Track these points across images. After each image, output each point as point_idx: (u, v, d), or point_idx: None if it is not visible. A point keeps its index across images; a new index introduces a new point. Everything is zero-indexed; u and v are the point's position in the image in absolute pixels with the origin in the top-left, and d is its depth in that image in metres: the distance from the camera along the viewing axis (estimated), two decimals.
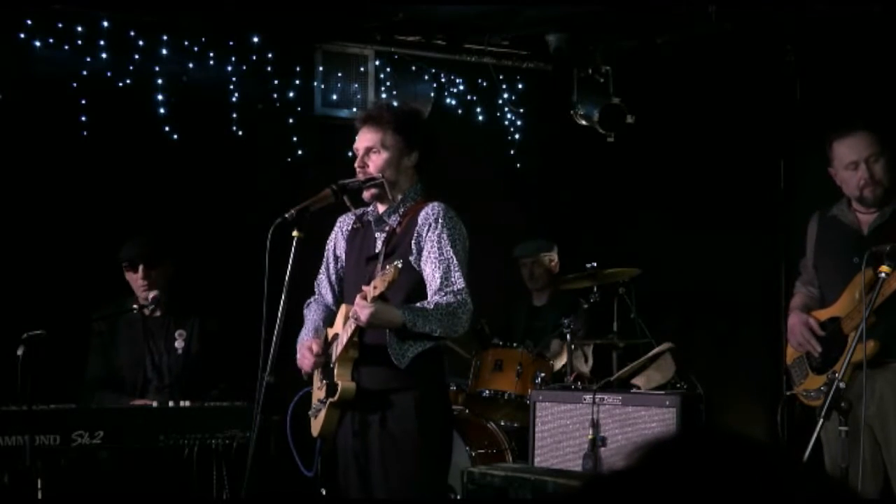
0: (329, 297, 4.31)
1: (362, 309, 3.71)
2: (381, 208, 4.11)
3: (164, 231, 5.69)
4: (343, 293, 4.26)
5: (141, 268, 5.29)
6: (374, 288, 3.67)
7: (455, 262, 3.93)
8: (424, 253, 3.95)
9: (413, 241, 3.97)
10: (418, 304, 3.88)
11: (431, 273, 3.93)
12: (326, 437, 4.10)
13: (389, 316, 3.78)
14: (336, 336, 4.10)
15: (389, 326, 3.84)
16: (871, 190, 4.52)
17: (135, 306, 5.30)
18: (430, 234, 3.95)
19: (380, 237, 4.08)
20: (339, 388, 3.96)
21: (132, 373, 5.33)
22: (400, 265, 3.64)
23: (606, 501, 1.04)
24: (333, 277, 4.30)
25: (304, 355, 4.09)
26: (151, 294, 5.34)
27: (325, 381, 4.08)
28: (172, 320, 5.37)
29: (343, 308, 4.07)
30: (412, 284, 3.94)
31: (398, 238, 4.02)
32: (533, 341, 6.08)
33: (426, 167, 4.14)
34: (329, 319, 4.26)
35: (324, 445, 4.15)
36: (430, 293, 3.93)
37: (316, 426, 4.13)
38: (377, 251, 4.07)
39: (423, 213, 3.99)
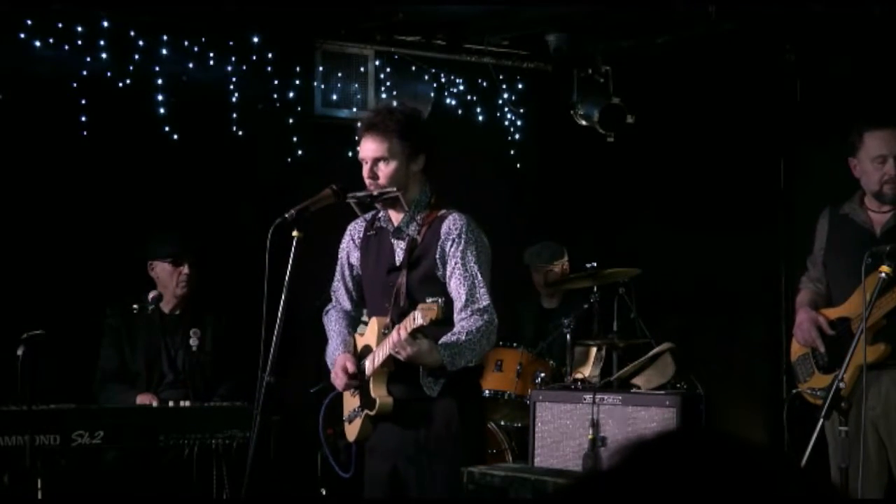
0: (347, 305, 4.32)
1: (405, 346, 3.75)
2: (397, 217, 4.10)
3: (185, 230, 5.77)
4: (365, 301, 4.28)
5: (187, 264, 5.49)
6: (414, 319, 3.68)
7: (479, 277, 3.95)
8: (448, 268, 3.96)
9: (437, 256, 3.98)
10: (452, 339, 3.89)
11: (456, 289, 3.95)
12: (363, 442, 4.15)
13: (429, 358, 3.84)
14: (366, 348, 4.11)
15: (427, 366, 3.89)
16: (892, 187, 4.53)
17: (135, 306, 5.34)
18: (453, 249, 3.96)
19: (399, 246, 4.07)
20: (377, 404, 4.00)
21: (148, 368, 5.40)
22: (442, 302, 3.67)
23: (591, 501, 1.05)
24: (350, 284, 4.30)
25: (339, 375, 4.09)
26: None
27: (358, 391, 4.11)
28: (189, 318, 5.48)
29: (375, 322, 4.08)
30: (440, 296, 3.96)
31: (421, 249, 4.02)
32: (547, 344, 6.07)
33: (433, 169, 4.14)
34: (352, 326, 4.29)
35: (360, 448, 4.19)
36: (455, 310, 3.95)
37: (352, 432, 4.17)
38: (399, 263, 4.06)
39: (445, 227, 3.99)
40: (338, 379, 4.11)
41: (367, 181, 4.04)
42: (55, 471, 4.62)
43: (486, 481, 5.11)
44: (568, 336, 5.75)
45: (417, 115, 4.30)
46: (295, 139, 6.61)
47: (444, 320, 3.84)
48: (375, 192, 4.02)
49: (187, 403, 4.96)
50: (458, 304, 3.94)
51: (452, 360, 3.86)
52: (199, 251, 5.61)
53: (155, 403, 5.09)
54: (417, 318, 3.65)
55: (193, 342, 5.47)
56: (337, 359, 4.14)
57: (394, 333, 3.80)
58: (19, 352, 4.34)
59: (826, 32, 6.18)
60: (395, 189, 3.99)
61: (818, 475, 1.09)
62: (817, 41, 6.31)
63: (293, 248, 3.90)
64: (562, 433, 5.19)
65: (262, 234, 3.84)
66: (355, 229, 4.28)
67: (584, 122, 6.89)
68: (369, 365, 4.04)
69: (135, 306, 5.34)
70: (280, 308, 3.87)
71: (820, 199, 4.96)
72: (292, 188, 4.99)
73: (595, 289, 5.88)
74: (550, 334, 6.13)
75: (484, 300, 3.94)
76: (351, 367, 4.06)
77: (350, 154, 6.72)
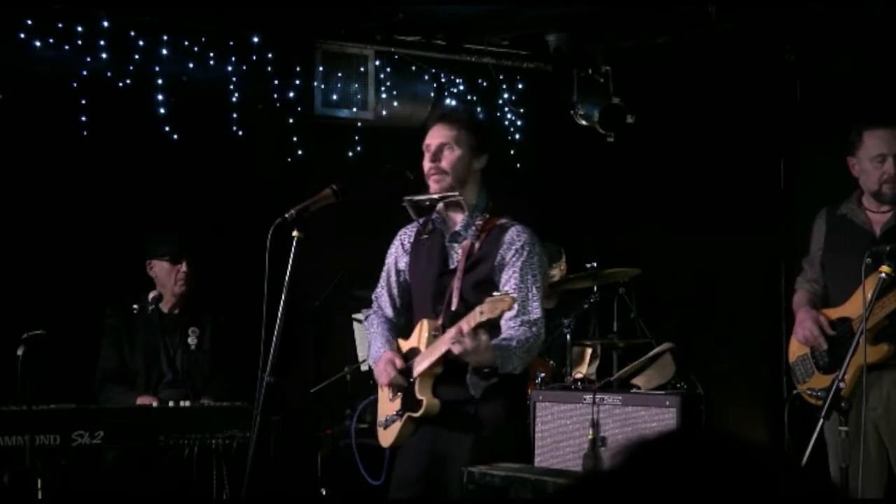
0: (389, 312, 4.28)
1: (465, 340, 3.70)
2: (454, 221, 4.10)
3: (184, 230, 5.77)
4: (412, 305, 4.24)
5: (185, 262, 5.46)
6: (481, 314, 3.66)
7: (535, 291, 3.96)
8: (505, 276, 3.96)
9: (496, 263, 3.98)
10: (504, 342, 3.88)
11: None
12: (399, 447, 4.11)
13: (484, 356, 3.80)
14: (412, 351, 4.08)
15: (478, 364, 3.85)
16: (891, 187, 4.53)
17: (135, 306, 5.34)
18: (514, 259, 3.97)
19: (455, 250, 4.07)
20: (424, 405, 3.96)
21: (147, 368, 5.40)
22: (515, 295, 3.68)
23: (591, 501, 1.05)
24: (395, 291, 4.27)
25: (388, 370, 4.04)
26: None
27: (400, 395, 4.07)
28: (187, 317, 5.49)
29: (424, 324, 4.05)
30: None
31: (479, 254, 4.01)
32: (547, 344, 6.06)
33: (492, 174, 4.15)
34: (392, 332, 4.24)
35: (392, 455, 4.16)
36: (504, 317, 3.91)
37: (388, 437, 4.13)
38: (453, 266, 4.05)
39: (509, 236, 4.00)
40: (384, 374, 4.05)
41: (428, 167, 4.05)
42: (55, 471, 4.62)
43: (486, 481, 5.12)
44: (568, 336, 5.75)
45: (483, 121, 4.34)
46: (295, 139, 6.61)
47: (494, 325, 3.84)
48: (436, 196, 4.04)
49: (187, 403, 4.96)
50: (509, 313, 3.91)
51: (503, 363, 3.84)
52: (197, 249, 5.61)
53: (155, 404, 5.09)
54: (484, 311, 3.63)
55: (192, 341, 5.48)
56: (383, 355, 4.09)
57: (452, 329, 3.75)
58: (19, 352, 4.34)
59: (826, 32, 6.18)
60: (457, 193, 4.01)
61: (818, 475, 1.09)
62: (817, 41, 6.31)
63: (293, 248, 3.90)
64: (562, 433, 5.19)
65: (262, 234, 3.84)
66: (406, 234, 4.27)
67: (584, 122, 6.88)
68: (418, 366, 4.00)
69: (135, 306, 5.34)
70: (280, 308, 3.87)
71: (820, 199, 4.96)
72: (292, 188, 4.99)
73: (595, 289, 5.88)
74: (550, 334, 6.13)
75: (535, 313, 3.95)
76: (399, 363, 4.02)
77: (350, 154, 6.74)
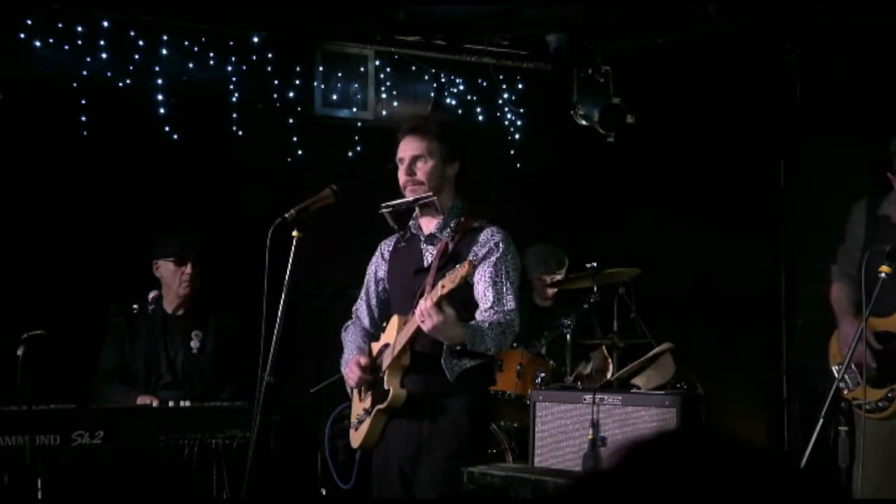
0: (367, 322, 4.35)
1: (431, 315, 3.71)
2: (429, 224, 4.14)
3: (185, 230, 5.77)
4: (389, 308, 4.29)
5: (190, 263, 5.45)
6: (443, 287, 3.69)
7: (508, 286, 3.99)
8: (479, 273, 3.97)
9: (468, 259, 3.99)
10: (475, 322, 3.91)
11: (483, 292, 3.98)
12: (368, 447, 4.14)
13: (453, 331, 3.80)
14: (385, 347, 4.12)
15: (448, 340, 3.85)
16: None
17: (135, 306, 5.34)
18: (488, 255, 4.00)
19: (429, 251, 4.11)
20: (390, 394, 3.99)
21: (147, 368, 5.39)
22: (473, 260, 3.71)
23: (591, 501, 1.05)
24: (374, 301, 4.33)
25: (353, 370, 4.12)
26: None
27: (370, 392, 4.11)
28: (191, 319, 5.48)
29: (395, 319, 4.10)
30: (462, 299, 3.97)
31: (453, 253, 4.04)
32: (538, 341, 6.06)
33: (466, 179, 4.17)
34: (367, 339, 4.30)
35: (363, 457, 4.19)
36: (480, 310, 3.96)
37: (357, 437, 4.17)
38: (427, 264, 4.08)
39: (483, 236, 4.04)
40: (351, 374, 4.13)
41: (404, 180, 4.08)
42: (55, 471, 4.62)
43: (486, 481, 5.12)
44: (568, 336, 5.75)
45: (456, 124, 4.38)
46: (295, 139, 6.61)
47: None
48: (411, 199, 4.07)
49: (187, 403, 4.96)
50: (483, 306, 3.96)
51: (473, 341, 3.84)
52: (202, 250, 5.61)
53: (155, 404, 5.09)
54: (445, 283, 3.66)
55: (195, 344, 5.46)
56: (350, 358, 4.17)
57: (421, 302, 3.78)
58: (19, 352, 4.34)
59: (826, 32, 6.18)
60: (430, 194, 4.04)
61: (818, 475, 1.09)
62: (817, 41, 6.32)
63: (293, 248, 3.90)
64: (562, 433, 5.19)
65: (262, 234, 3.85)
66: (385, 245, 4.33)
67: (584, 122, 6.89)
68: (387, 358, 4.04)
69: (134, 306, 5.34)
70: (280, 308, 3.87)
71: (820, 200, 4.97)
72: (292, 188, 4.99)
73: (595, 289, 5.88)
74: (544, 333, 6.13)
75: (509, 304, 3.97)
76: (364, 361, 4.09)
77: (350, 154, 6.74)
